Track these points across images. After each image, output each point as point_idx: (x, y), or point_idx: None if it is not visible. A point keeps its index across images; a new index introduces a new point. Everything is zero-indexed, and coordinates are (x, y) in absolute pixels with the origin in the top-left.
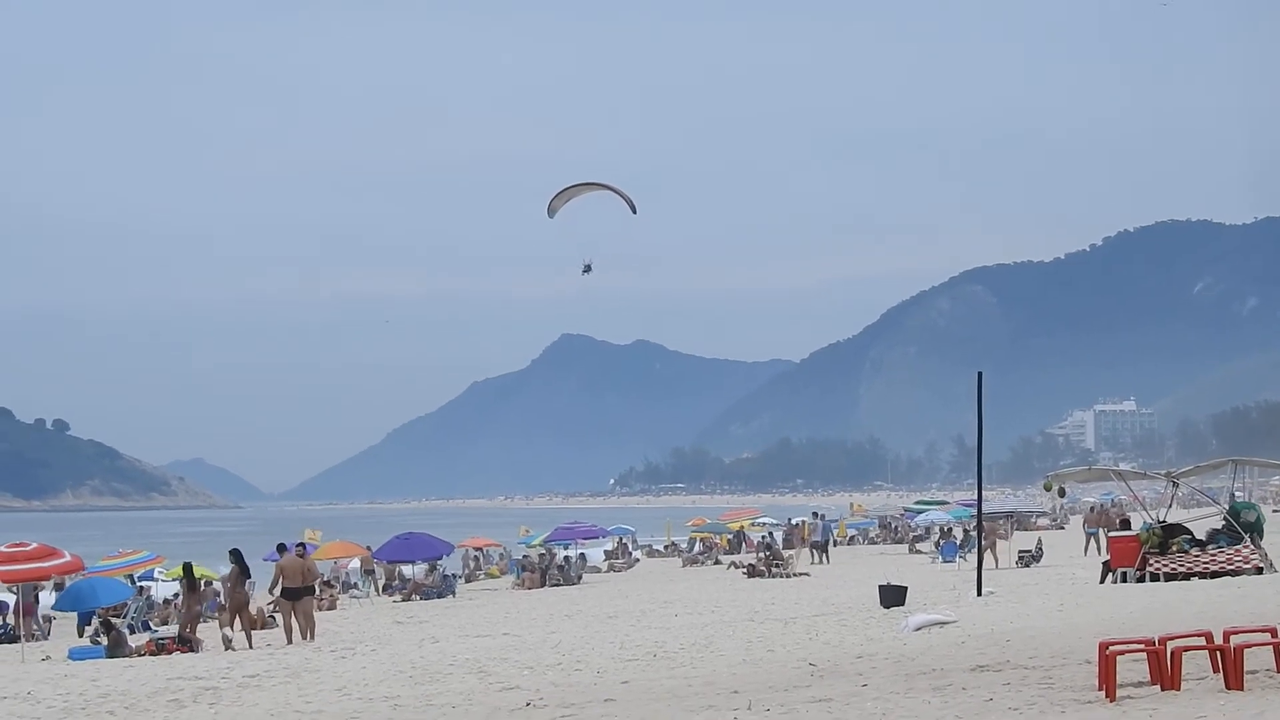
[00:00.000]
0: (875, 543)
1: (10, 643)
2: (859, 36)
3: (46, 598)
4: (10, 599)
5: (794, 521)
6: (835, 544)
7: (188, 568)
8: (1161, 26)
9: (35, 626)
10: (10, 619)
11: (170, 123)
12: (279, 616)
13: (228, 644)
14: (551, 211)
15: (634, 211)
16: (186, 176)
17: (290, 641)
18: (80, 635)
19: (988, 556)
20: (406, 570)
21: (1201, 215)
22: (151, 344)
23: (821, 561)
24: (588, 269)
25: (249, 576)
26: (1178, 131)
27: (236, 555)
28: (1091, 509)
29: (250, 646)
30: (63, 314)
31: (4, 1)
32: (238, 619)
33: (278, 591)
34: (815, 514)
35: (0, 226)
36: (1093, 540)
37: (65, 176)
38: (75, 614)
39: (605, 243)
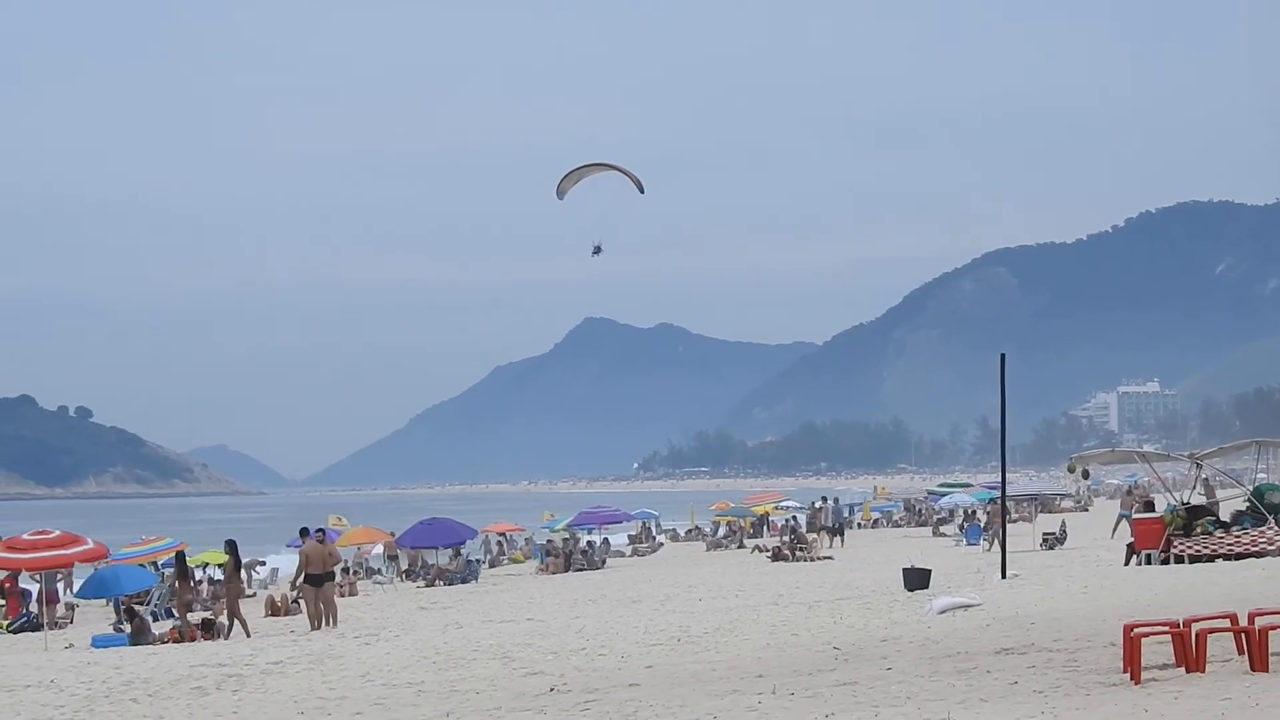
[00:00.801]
0: (899, 526)
1: (34, 631)
2: (882, 13)
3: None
4: (33, 587)
5: (817, 505)
6: (859, 526)
7: (179, 556)
8: (1183, 6)
9: (59, 614)
10: (34, 607)
11: (192, 107)
12: (303, 602)
13: (221, 633)
14: (560, 193)
15: (641, 191)
16: (209, 160)
17: (314, 628)
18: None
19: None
20: (430, 556)
21: (1223, 196)
22: (174, 330)
23: (833, 545)
24: (598, 250)
25: (241, 567)
26: (1199, 112)
27: (231, 546)
28: (1128, 491)
29: (247, 635)
30: (85, 300)
31: None
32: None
33: (301, 578)
34: (825, 498)
35: (22, 211)
36: (1124, 522)
37: (87, 161)
38: (102, 600)
39: (624, 225)
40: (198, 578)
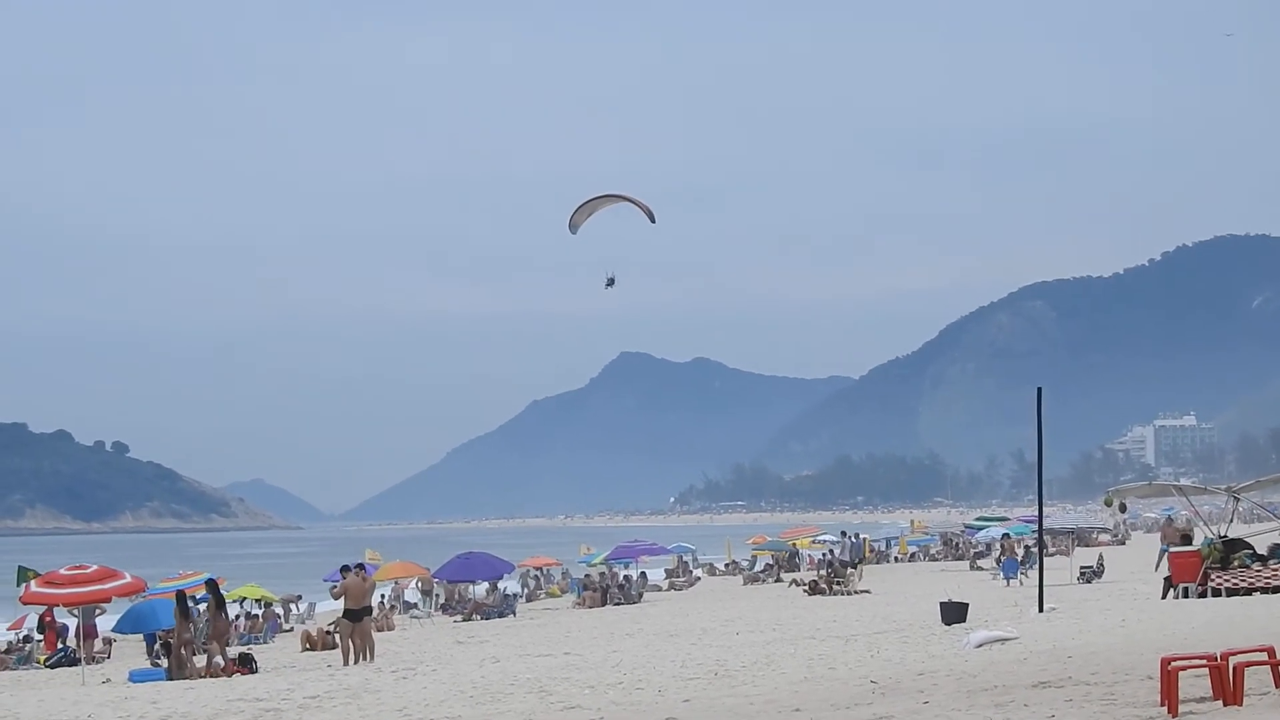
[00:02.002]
0: (936, 559)
1: (71, 665)
2: (918, 44)
3: (106, 621)
4: (71, 621)
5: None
6: (895, 560)
7: (180, 596)
8: (1218, 41)
9: (96, 649)
10: (71, 641)
11: (223, 140)
12: (338, 636)
13: (218, 671)
14: (573, 227)
15: (653, 221)
16: (241, 194)
17: (347, 663)
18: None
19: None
20: (467, 590)
21: (1260, 229)
22: (211, 365)
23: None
24: (611, 283)
25: (223, 607)
26: (1235, 144)
27: (212, 586)
28: (1169, 521)
29: (227, 675)
30: (122, 335)
31: (71, 14)
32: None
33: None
34: (843, 533)
35: (58, 248)
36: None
37: (122, 196)
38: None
39: (660, 257)
40: (233, 613)
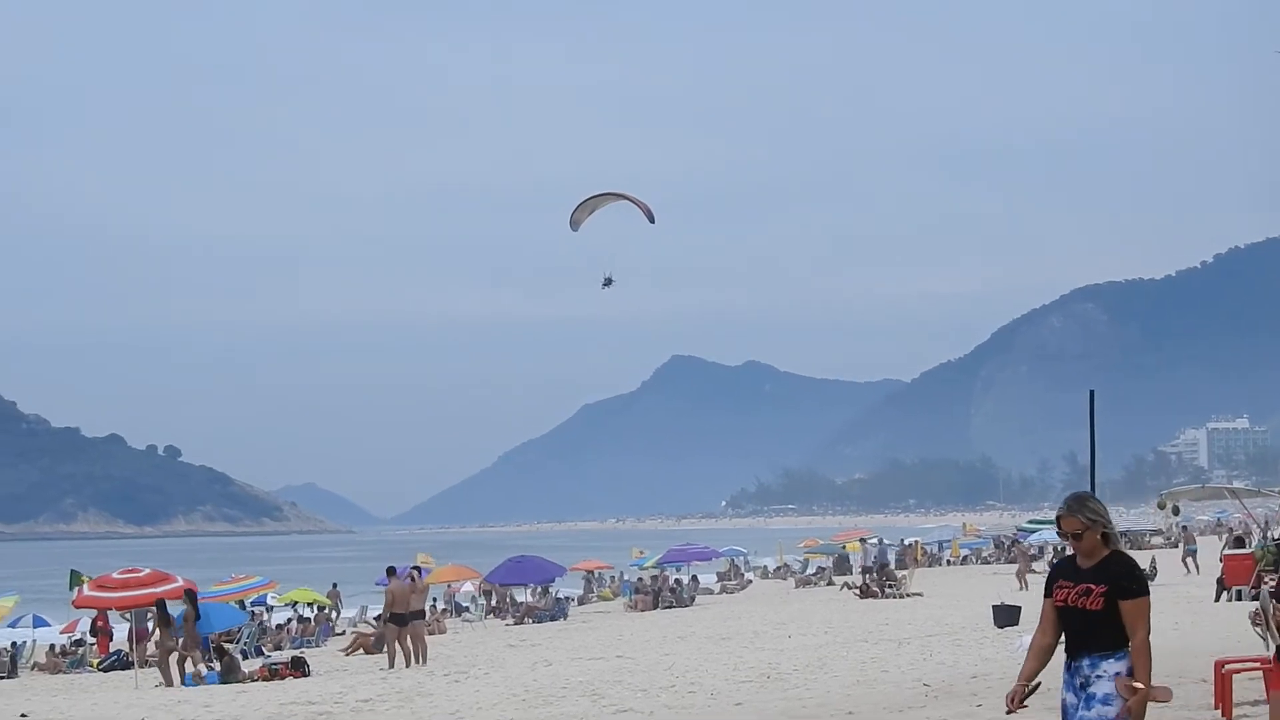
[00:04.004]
0: (988, 562)
1: (124, 669)
2: (971, 46)
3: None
4: (124, 625)
5: (906, 542)
6: (948, 564)
7: (160, 603)
8: (1264, 47)
9: (149, 653)
10: (124, 645)
11: (279, 148)
12: (385, 640)
13: (199, 679)
14: (574, 224)
15: (651, 221)
16: (290, 200)
17: (391, 665)
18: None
19: (1016, 580)
20: (519, 593)
21: None
22: (262, 369)
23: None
24: (608, 282)
25: (199, 616)
26: None
27: (190, 596)
28: (1230, 530)
29: (169, 684)
30: (173, 340)
31: (117, 25)
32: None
33: (387, 616)
34: (863, 540)
35: (109, 253)
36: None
37: (170, 204)
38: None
39: (712, 260)
40: (285, 617)
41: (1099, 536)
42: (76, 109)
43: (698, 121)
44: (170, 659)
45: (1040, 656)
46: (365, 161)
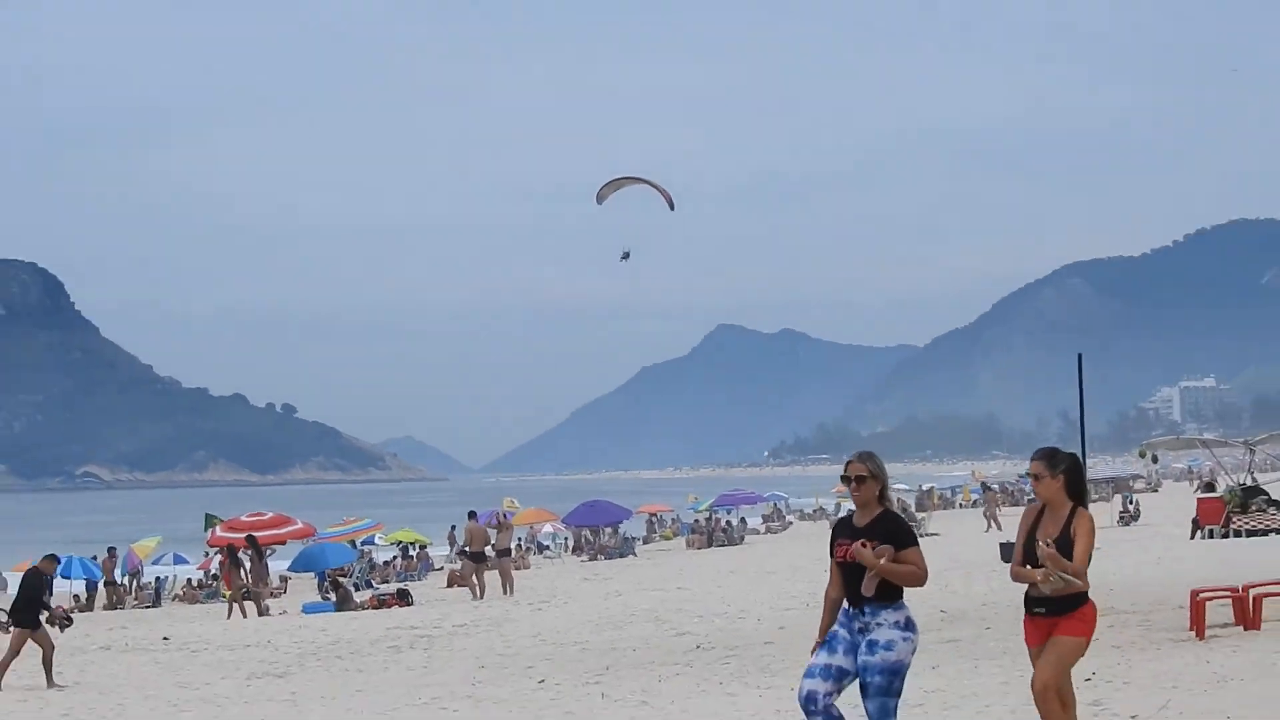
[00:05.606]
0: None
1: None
2: (971, 40)
3: (280, 562)
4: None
5: (924, 488)
6: (960, 507)
7: (230, 548)
8: (1231, 53)
9: (274, 585)
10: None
11: (393, 134)
12: (463, 575)
13: (245, 614)
14: (600, 199)
15: (671, 208)
16: (402, 183)
17: (476, 597)
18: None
19: (986, 521)
20: (592, 533)
21: (1269, 214)
22: (367, 335)
23: None
24: (626, 256)
25: (263, 558)
26: (1249, 139)
27: (251, 540)
28: (1200, 476)
29: (245, 616)
30: (287, 309)
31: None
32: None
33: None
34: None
35: (240, 233)
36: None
37: (298, 189)
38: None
39: (750, 249)
40: (392, 554)
41: (876, 492)
42: (220, 109)
43: (747, 113)
44: (240, 596)
45: (833, 610)
46: (465, 158)
